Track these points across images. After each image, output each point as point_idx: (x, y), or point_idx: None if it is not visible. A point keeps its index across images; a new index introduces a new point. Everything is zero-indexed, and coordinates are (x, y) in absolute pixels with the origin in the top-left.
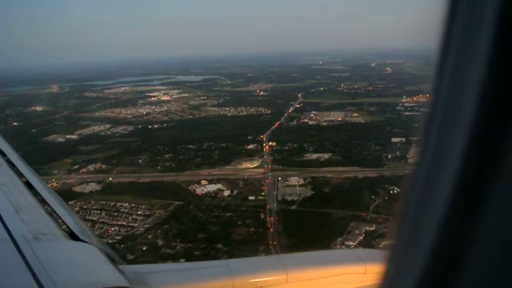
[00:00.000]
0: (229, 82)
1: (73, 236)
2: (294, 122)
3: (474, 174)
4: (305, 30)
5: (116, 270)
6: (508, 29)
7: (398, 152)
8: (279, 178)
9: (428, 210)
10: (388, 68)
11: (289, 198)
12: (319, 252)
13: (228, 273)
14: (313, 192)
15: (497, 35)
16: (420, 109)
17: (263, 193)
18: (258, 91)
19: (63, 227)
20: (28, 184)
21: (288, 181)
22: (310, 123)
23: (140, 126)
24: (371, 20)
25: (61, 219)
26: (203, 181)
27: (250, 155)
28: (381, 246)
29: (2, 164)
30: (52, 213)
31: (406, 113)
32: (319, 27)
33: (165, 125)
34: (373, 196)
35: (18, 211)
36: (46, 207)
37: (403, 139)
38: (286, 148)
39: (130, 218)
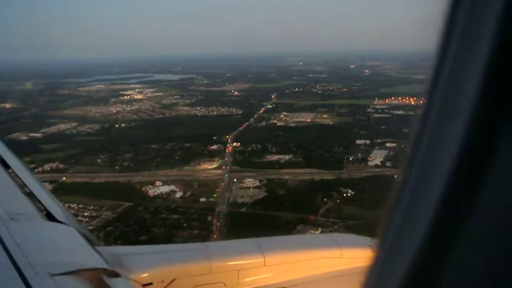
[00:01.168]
0: (205, 81)
1: (50, 217)
2: (263, 123)
3: (466, 175)
4: (290, 31)
5: (94, 252)
6: (508, 37)
7: (360, 155)
8: (235, 180)
9: (418, 209)
10: (366, 70)
11: (241, 200)
12: (296, 236)
13: (206, 256)
14: (266, 194)
15: (498, 39)
16: (411, 111)
17: (215, 195)
18: (233, 91)
19: (40, 208)
20: (4, 164)
21: (243, 182)
22: (279, 124)
23: (107, 125)
24: (357, 22)
25: (38, 199)
26: (157, 182)
27: (211, 155)
28: (357, 231)
29: None
30: (29, 193)
31: (376, 115)
32: (304, 28)
33: (132, 124)
34: (325, 199)
35: None
36: (22, 187)
37: (367, 141)
38: (249, 149)
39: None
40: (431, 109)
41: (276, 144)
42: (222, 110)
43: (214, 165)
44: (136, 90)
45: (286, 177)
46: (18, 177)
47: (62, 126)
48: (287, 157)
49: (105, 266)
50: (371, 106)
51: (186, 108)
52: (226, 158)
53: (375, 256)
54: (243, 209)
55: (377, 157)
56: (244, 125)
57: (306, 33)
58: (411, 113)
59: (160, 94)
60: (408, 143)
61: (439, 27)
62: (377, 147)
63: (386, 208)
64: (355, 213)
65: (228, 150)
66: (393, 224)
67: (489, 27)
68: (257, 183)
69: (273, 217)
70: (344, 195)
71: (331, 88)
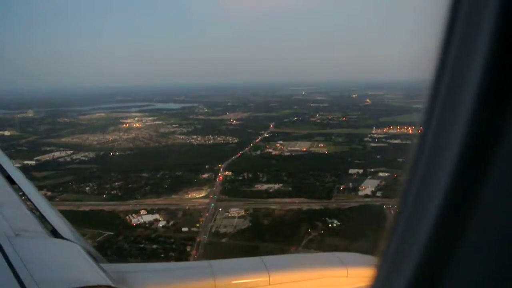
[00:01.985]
0: (206, 110)
1: (55, 233)
2: (258, 152)
3: (464, 187)
4: (294, 61)
5: (99, 269)
6: (498, 72)
7: (351, 184)
8: (220, 209)
9: (419, 220)
10: (367, 100)
11: (223, 230)
12: (301, 254)
13: (211, 274)
14: (250, 224)
15: (489, 72)
16: (408, 140)
17: (198, 225)
18: (231, 120)
19: (46, 224)
20: (10, 180)
21: (228, 212)
22: (273, 153)
23: (102, 153)
24: (360, 52)
25: (44, 216)
26: (142, 210)
27: (201, 184)
28: (363, 250)
29: None
30: (34, 210)
31: (373, 144)
32: (308, 58)
33: (127, 152)
34: (309, 229)
35: None
36: (28, 203)
37: (360, 171)
38: (240, 178)
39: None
40: (428, 132)
41: (267, 173)
42: (219, 139)
43: (202, 194)
44: (136, 118)
45: (273, 206)
46: (24, 193)
47: (56, 154)
48: (276, 186)
49: (109, 283)
50: (369, 135)
51: (183, 136)
52: (215, 187)
53: (376, 274)
54: (224, 239)
55: (368, 187)
56: (238, 154)
57: (310, 62)
58: (408, 142)
59: (159, 122)
60: (407, 160)
61: (436, 54)
62: (369, 177)
63: (386, 226)
64: (338, 244)
65: (219, 179)
66: (392, 242)
67: (482, 54)
68: (243, 213)
69: (254, 248)
70: (329, 225)
71: (330, 117)
